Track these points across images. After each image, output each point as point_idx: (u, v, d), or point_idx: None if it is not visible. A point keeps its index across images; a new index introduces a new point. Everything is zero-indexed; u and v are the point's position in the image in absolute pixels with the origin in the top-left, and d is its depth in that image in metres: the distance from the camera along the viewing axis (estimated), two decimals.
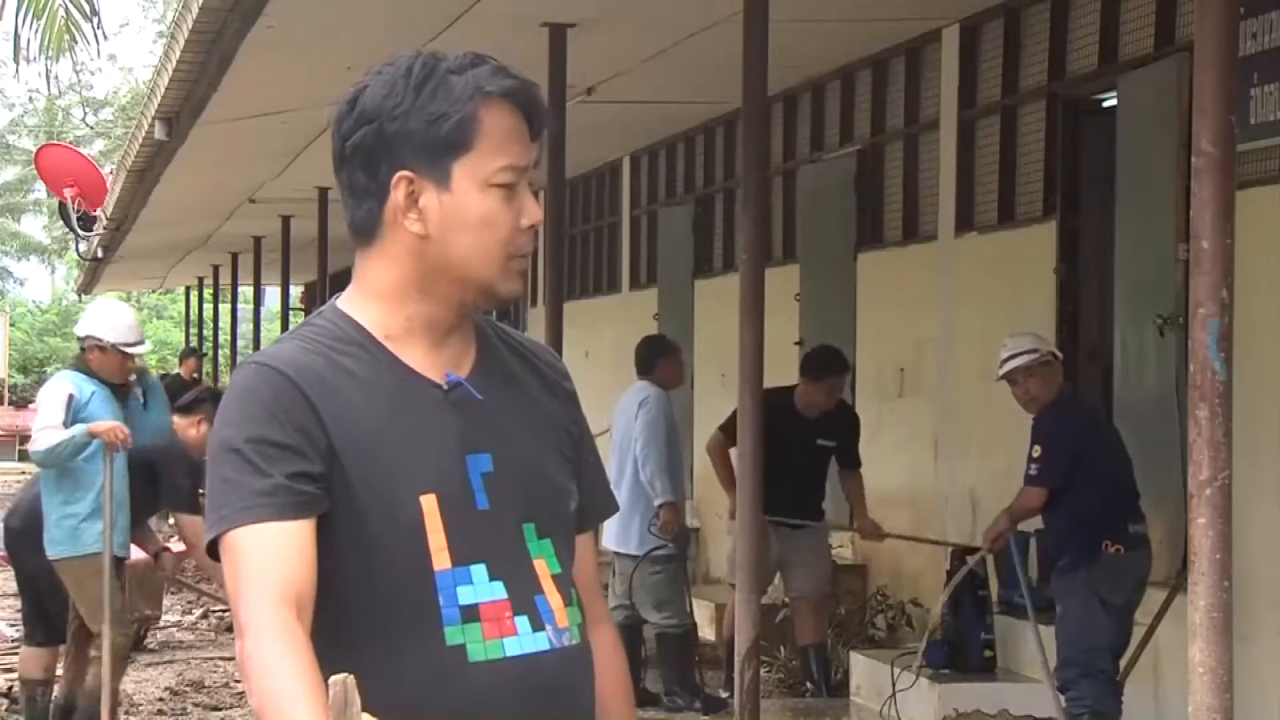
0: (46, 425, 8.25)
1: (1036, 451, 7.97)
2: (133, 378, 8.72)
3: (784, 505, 9.50)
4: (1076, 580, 7.89)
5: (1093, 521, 7.86)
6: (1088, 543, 7.86)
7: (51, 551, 8.35)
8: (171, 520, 9.91)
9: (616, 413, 10.16)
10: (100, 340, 8.41)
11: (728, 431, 9.84)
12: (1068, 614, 7.95)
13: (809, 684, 10.04)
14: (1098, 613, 7.85)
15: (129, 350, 8.45)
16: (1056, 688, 7.99)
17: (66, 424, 8.19)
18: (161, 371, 25.82)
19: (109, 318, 8.56)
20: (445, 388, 2.48)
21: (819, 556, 10.23)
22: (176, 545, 10.53)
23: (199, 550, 8.95)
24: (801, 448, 9.65)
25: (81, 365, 8.53)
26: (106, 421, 8.16)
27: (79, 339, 8.66)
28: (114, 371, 8.44)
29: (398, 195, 2.45)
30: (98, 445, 8.19)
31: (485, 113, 2.45)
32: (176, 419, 9.12)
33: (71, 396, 8.27)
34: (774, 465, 8.81)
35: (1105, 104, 9.62)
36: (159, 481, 8.84)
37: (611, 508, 2.72)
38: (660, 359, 10.19)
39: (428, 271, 2.47)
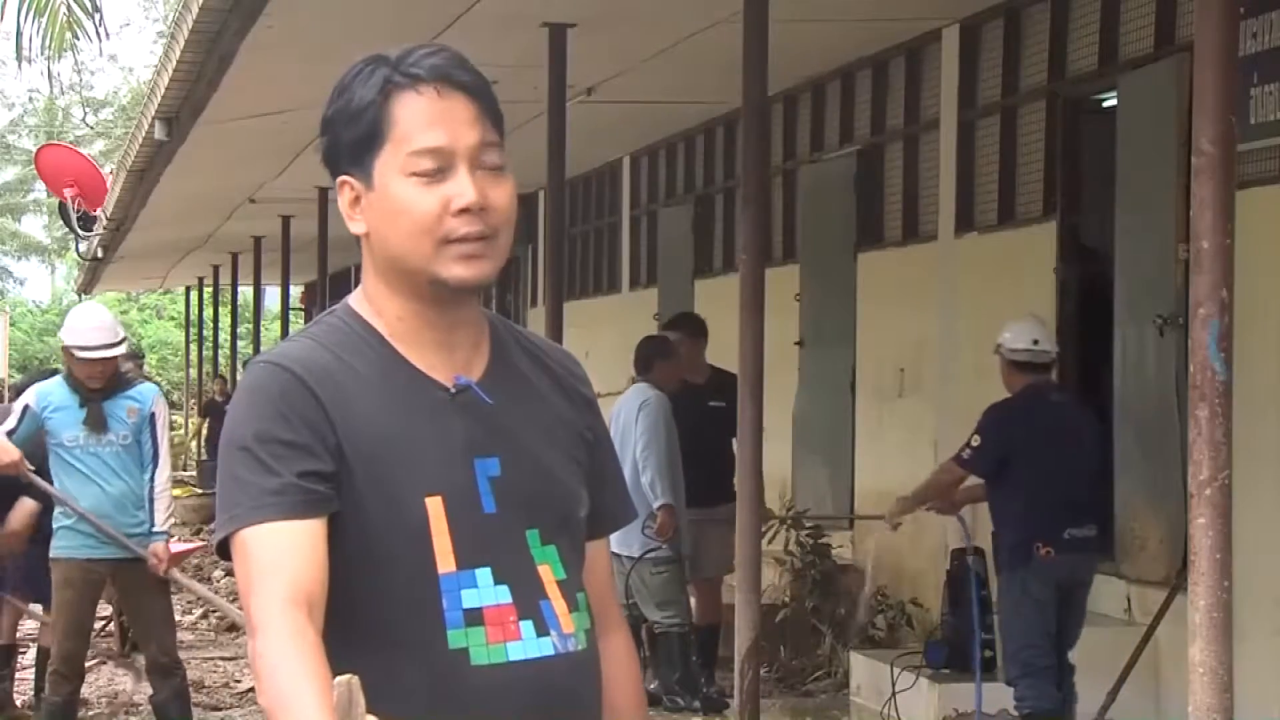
0: None
1: (975, 440, 8.24)
2: (136, 384, 8.55)
3: (701, 490, 9.84)
4: (1012, 579, 8.13)
5: (1023, 523, 8.07)
6: (1020, 543, 8.09)
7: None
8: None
9: (614, 414, 10.14)
10: (66, 345, 8.28)
11: None
12: (1005, 612, 8.23)
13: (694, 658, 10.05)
14: (1031, 611, 8.06)
15: (87, 355, 8.19)
16: (1006, 681, 8.25)
17: (18, 433, 8.17)
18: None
19: (71, 321, 8.39)
20: (453, 390, 2.48)
21: (728, 541, 10.22)
22: (175, 545, 10.51)
23: None
24: (698, 414, 9.93)
25: (67, 374, 8.41)
26: (4, 450, 8.07)
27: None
28: (88, 376, 8.22)
29: (342, 200, 2.48)
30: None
31: (395, 102, 2.42)
32: None
33: (27, 408, 8.24)
34: (682, 444, 9.61)
35: (1105, 104, 9.63)
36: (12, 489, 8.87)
37: (628, 515, 2.69)
38: (659, 360, 10.17)
39: (384, 269, 2.48)
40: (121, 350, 8.39)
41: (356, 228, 2.46)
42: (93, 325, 8.30)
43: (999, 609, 8.32)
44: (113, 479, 8.23)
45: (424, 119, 2.41)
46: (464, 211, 2.41)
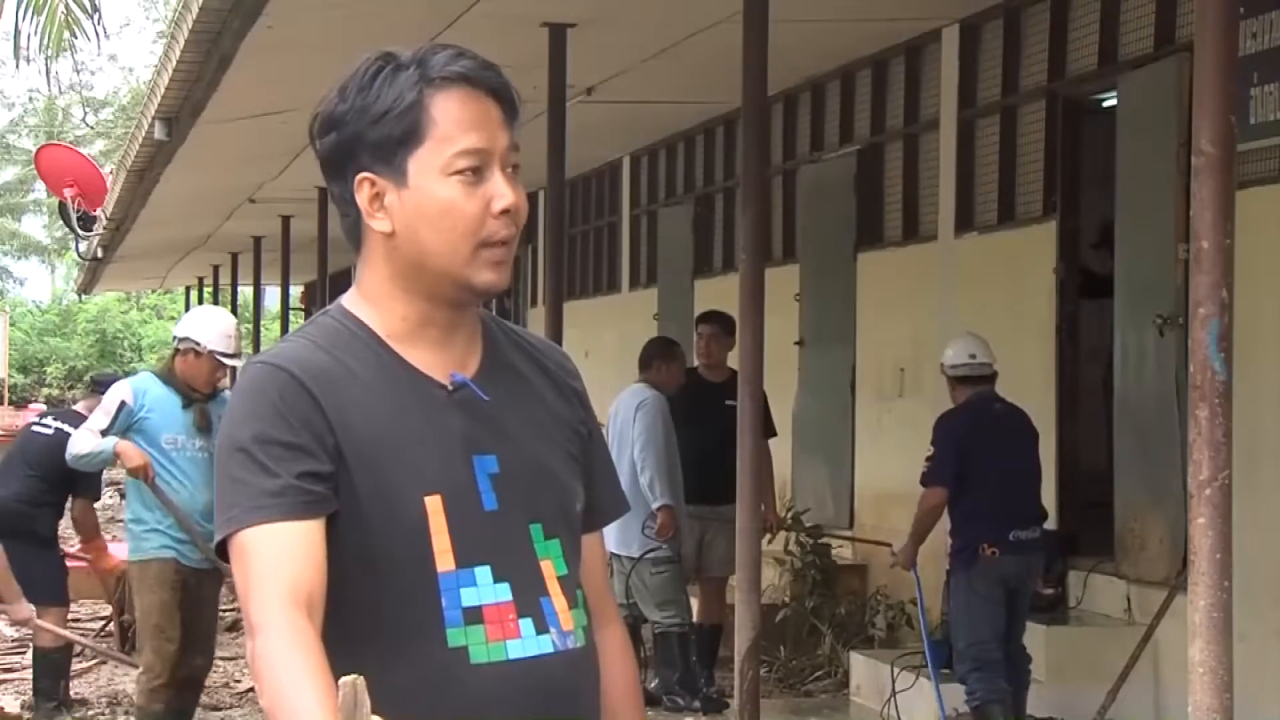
0: (89, 428, 8.13)
1: (930, 453, 8.60)
2: (224, 389, 8.39)
3: (710, 489, 9.71)
4: (959, 581, 8.47)
5: (971, 527, 8.38)
6: (967, 546, 8.41)
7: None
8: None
9: (612, 414, 10.12)
10: (198, 345, 8.11)
11: None
12: (955, 612, 8.56)
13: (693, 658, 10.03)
14: (980, 608, 8.39)
15: (225, 361, 8.15)
16: (959, 678, 8.49)
17: (113, 432, 8.00)
18: None
19: (211, 323, 8.30)
20: (450, 388, 2.47)
21: (732, 540, 10.22)
22: None
23: (85, 528, 10.12)
24: (714, 413, 9.76)
25: (164, 370, 8.30)
26: (137, 452, 7.92)
27: (175, 340, 8.34)
28: (204, 380, 8.13)
29: (362, 198, 2.45)
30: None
31: (433, 102, 2.41)
32: None
33: (124, 404, 8.01)
34: (694, 441, 9.65)
35: (1105, 104, 9.63)
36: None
37: (621, 508, 2.70)
38: (657, 360, 10.14)
39: (403, 269, 2.46)
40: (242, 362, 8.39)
41: (380, 226, 2.45)
42: (231, 332, 8.26)
43: (950, 610, 8.63)
44: (202, 488, 7.99)
45: (466, 120, 2.42)
46: (504, 213, 2.42)
